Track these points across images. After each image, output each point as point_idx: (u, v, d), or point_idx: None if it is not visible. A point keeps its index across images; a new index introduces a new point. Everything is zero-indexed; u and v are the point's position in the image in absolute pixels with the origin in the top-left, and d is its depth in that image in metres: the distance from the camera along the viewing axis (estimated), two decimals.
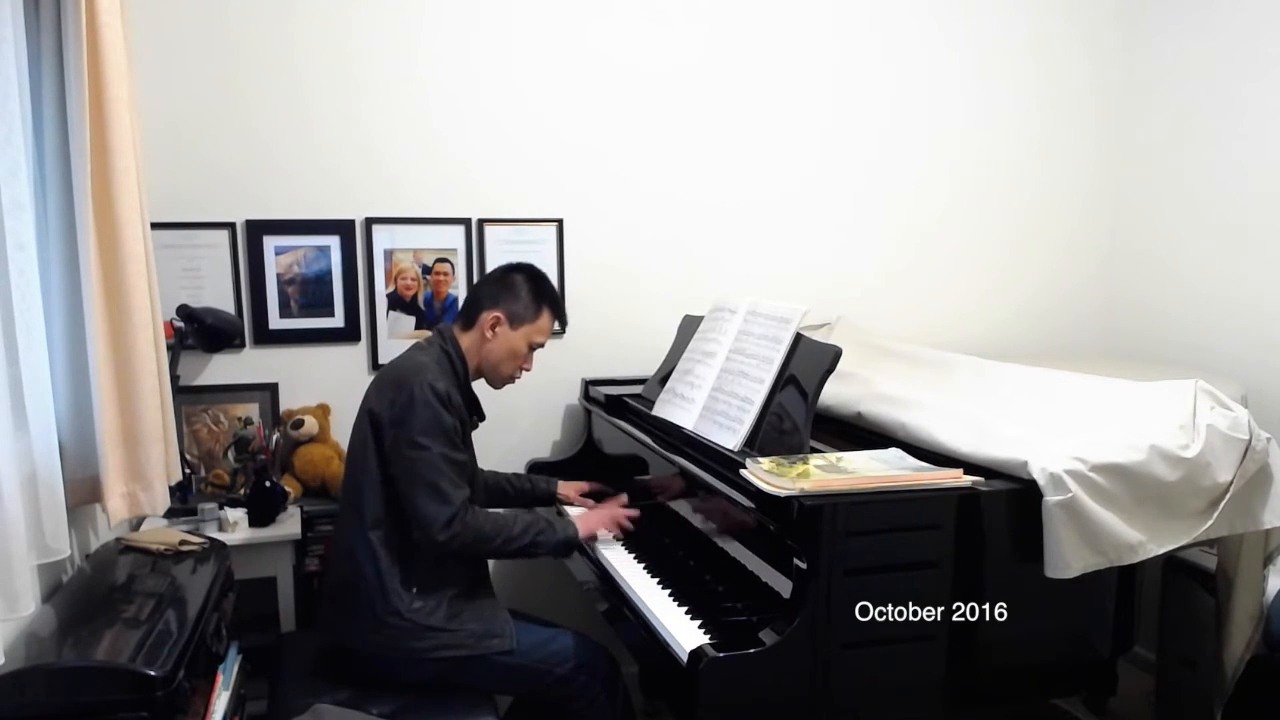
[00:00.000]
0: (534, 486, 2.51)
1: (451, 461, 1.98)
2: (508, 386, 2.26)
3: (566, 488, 2.53)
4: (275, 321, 2.69)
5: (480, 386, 2.22)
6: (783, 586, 1.74)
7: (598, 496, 2.53)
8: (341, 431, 2.69)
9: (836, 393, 2.27)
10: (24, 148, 1.66)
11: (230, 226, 2.63)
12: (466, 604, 2.04)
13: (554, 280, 2.79)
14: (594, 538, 2.23)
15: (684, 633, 1.76)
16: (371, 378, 2.22)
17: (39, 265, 1.72)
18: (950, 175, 3.22)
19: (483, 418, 2.23)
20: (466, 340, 2.16)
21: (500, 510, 2.16)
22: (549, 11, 2.80)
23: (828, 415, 2.29)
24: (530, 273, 2.21)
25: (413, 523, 1.98)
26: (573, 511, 2.41)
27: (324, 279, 2.72)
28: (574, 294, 2.89)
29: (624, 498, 2.38)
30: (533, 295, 2.18)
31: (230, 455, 2.61)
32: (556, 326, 2.26)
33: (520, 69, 2.80)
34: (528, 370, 2.24)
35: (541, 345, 2.22)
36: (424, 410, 1.97)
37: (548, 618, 2.21)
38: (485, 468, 2.39)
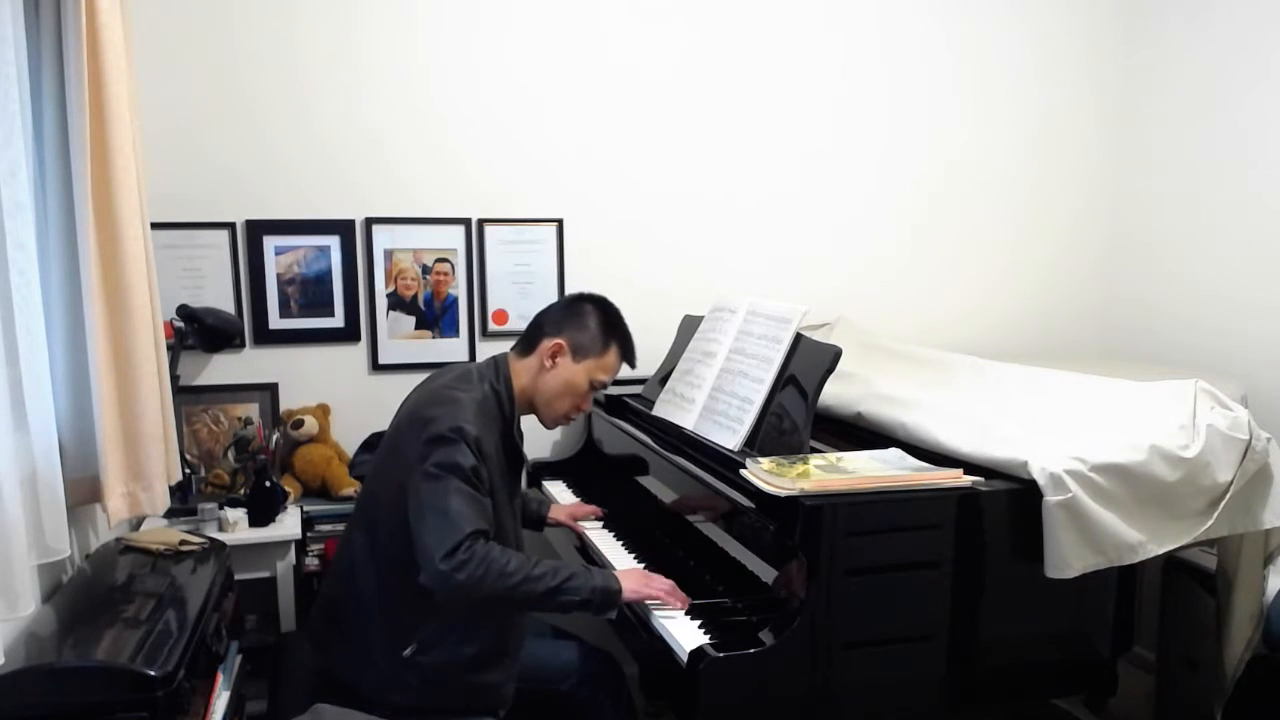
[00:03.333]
0: (525, 507, 2.24)
1: (466, 496, 1.72)
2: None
3: (559, 511, 2.37)
4: (275, 321, 2.69)
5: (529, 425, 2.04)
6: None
7: (594, 517, 2.39)
8: (341, 431, 2.70)
9: (836, 393, 2.27)
10: (24, 148, 1.66)
11: (230, 226, 2.63)
12: (467, 681, 1.83)
13: (554, 280, 2.81)
14: (646, 601, 1.85)
15: (684, 633, 1.75)
16: (372, 378, 2.18)
17: (39, 265, 1.71)
18: (950, 175, 3.21)
19: (524, 464, 2.01)
20: (522, 368, 1.95)
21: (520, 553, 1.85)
22: (549, 11, 2.80)
23: (828, 415, 2.29)
24: (601, 303, 2.02)
25: (418, 557, 1.71)
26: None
27: (324, 279, 2.72)
28: None
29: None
30: (602, 328, 1.97)
31: (230, 455, 2.61)
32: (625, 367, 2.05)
33: (520, 69, 2.80)
34: (584, 411, 2.02)
35: (604, 385, 2.00)
36: (446, 448, 1.74)
37: (548, 619, 2.21)
38: None
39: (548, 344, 1.94)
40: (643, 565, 2.10)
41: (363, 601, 1.86)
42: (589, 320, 1.97)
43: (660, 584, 1.86)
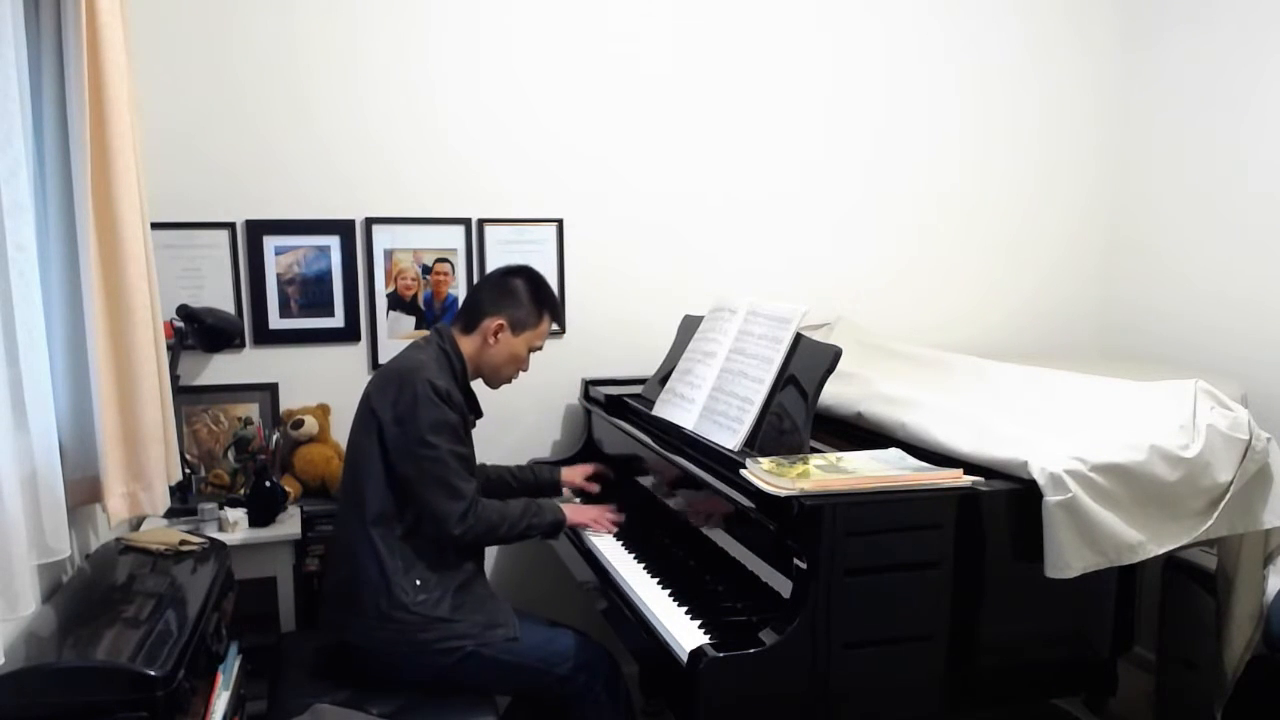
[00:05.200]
0: (537, 477, 2.52)
1: (458, 457, 2.02)
2: (507, 385, 2.27)
3: (570, 473, 2.57)
4: (275, 321, 2.69)
5: (477, 387, 2.23)
6: (783, 586, 1.74)
7: (603, 480, 2.57)
8: (341, 431, 2.68)
9: (836, 393, 2.27)
10: (24, 148, 1.66)
11: (230, 226, 2.64)
12: (468, 595, 2.06)
13: (554, 280, 2.82)
14: (581, 527, 2.32)
15: (684, 633, 1.76)
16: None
17: (39, 265, 1.71)
18: (950, 174, 3.22)
19: (480, 415, 2.24)
20: (467, 344, 2.17)
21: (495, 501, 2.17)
22: (550, 11, 2.80)
23: (828, 415, 2.29)
24: (530, 276, 2.23)
25: (426, 520, 2.01)
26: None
27: (324, 279, 2.72)
28: (574, 294, 2.90)
29: (618, 512, 2.39)
30: (534, 301, 2.20)
31: (230, 455, 2.61)
32: (555, 327, 2.28)
33: (521, 69, 2.80)
34: (525, 371, 2.26)
35: (540, 348, 2.25)
36: (428, 408, 1.99)
37: (548, 617, 2.22)
38: (488, 463, 2.44)
39: (490, 323, 2.16)
40: (643, 566, 2.12)
41: (364, 568, 2.02)
42: (522, 296, 2.19)
43: (591, 512, 2.34)
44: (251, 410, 2.68)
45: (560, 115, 2.84)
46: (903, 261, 3.21)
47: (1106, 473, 1.73)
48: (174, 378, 2.36)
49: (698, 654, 1.61)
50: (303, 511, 2.53)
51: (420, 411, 1.99)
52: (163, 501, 2.04)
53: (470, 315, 2.20)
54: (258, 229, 2.65)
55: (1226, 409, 1.89)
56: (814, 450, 1.93)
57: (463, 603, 2.04)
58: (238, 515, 2.40)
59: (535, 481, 2.51)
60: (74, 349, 1.90)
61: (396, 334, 2.78)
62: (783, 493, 1.67)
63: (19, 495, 1.50)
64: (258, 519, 2.43)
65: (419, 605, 1.99)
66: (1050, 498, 1.69)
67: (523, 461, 2.83)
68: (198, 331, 2.50)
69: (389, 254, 2.76)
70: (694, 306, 2.71)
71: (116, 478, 1.93)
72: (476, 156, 2.79)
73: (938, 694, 1.79)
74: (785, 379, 2.03)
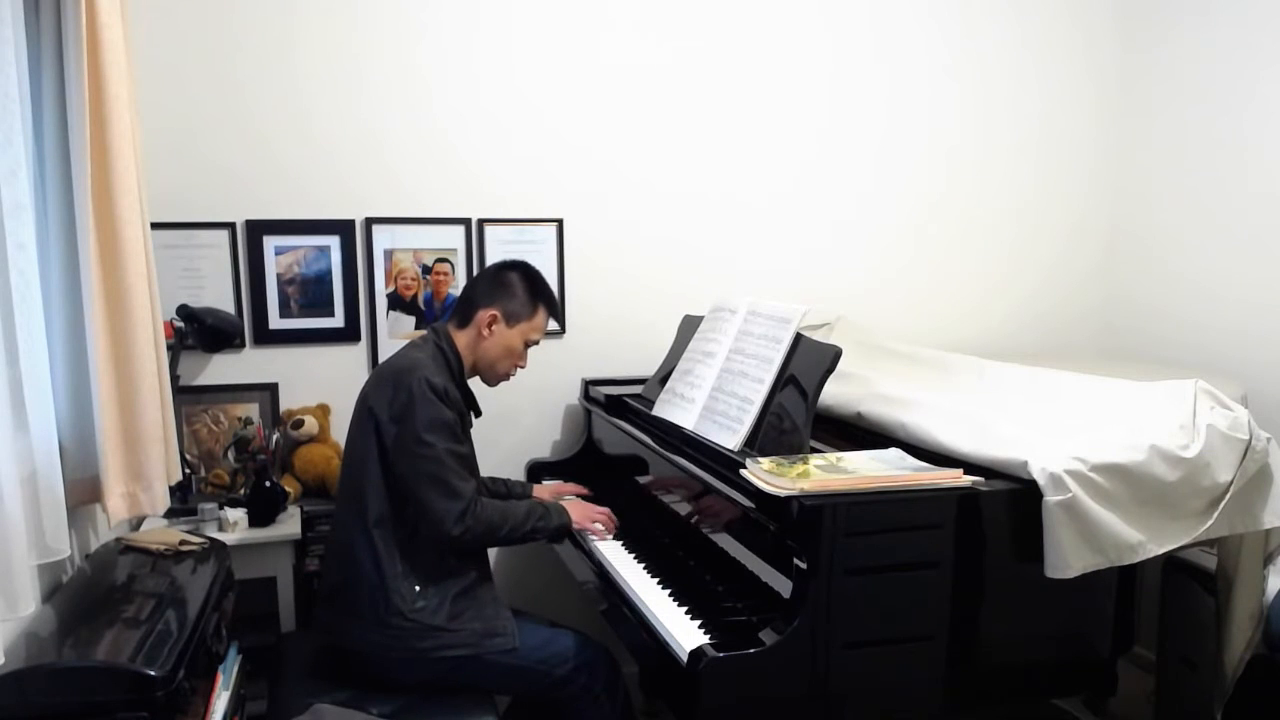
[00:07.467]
0: (510, 491, 2.47)
1: (456, 455, 1.99)
2: (507, 385, 2.26)
3: (542, 491, 2.52)
4: (275, 321, 2.69)
5: (475, 385, 2.22)
6: (783, 586, 1.74)
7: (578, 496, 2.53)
8: (341, 431, 2.68)
9: (836, 393, 2.27)
10: (24, 148, 1.66)
11: (230, 226, 2.64)
12: (469, 602, 2.04)
13: (554, 280, 2.82)
14: (584, 531, 2.27)
15: (684, 633, 1.76)
16: None
17: (39, 265, 1.71)
18: (950, 175, 3.22)
19: (479, 414, 2.23)
20: (462, 338, 2.16)
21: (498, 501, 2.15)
22: (549, 11, 2.80)
23: (828, 415, 2.29)
24: (525, 270, 2.21)
25: (423, 520, 1.98)
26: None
27: (324, 279, 2.72)
28: (574, 294, 2.90)
29: (614, 517, 2.33)
30: (528, 293, 2.18)
31: (230, 455, 2.61)
32: (552, 324, 2.25)
33: (521, 69, 2.80)
34: (522, 368, 2.24)
35: (537, 343, 2.23)
36: (425, 406, 1.97)
37: (548, 617, 2.22)
38: (481, 469, 2.39)
39: (484, 315, 2.14)
40: (643, 566, 2.12)
41: (363, 571, 2.00)
42: (516, 288, 2.17)
43: (593, 513, 2.28)
44: (251, 410, 2.68)
45: (560, 115, 2.84)
46: (903, 261, 3.21)
47: (1106, 473, 1.73)
48: (174, 378, 2.36)
49: (698, 654, 1.61)
50: (303, 511, 2.53)
51: (416, 409, 1.97)
52: (163, 501, 2.04)
53: (465, 309, 2.18)
54: (258, 229, 2.65)
55: (1226, 409, 1.89)
56: (814, 450, 1.93)
57: (462, 610, 2.01)
58: (238, 515, 2.40)
59: (508, 496, 2.43)
60: (74, 349, 1.90)
61: (396, 334, 2.78)
62: (783, 493, 1.67)
63: (19, 495, 1.50)
64: (258, 519, 2.43)
65: (416, 613, 1.98)
66: (1050, 498, 1.69)
67: (522, 461, 2.85)
68: (198, 331, 2.50)
69: (389, 254, 2.76)
70: (694, 306, 2.71)
71: (116, 478, 1.93)
72: (476, 156, 2.79)
73: (938, 694, 1.79)
74: (785, 379, 2.03)
